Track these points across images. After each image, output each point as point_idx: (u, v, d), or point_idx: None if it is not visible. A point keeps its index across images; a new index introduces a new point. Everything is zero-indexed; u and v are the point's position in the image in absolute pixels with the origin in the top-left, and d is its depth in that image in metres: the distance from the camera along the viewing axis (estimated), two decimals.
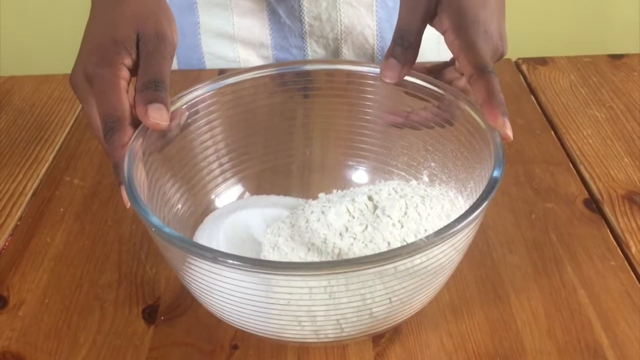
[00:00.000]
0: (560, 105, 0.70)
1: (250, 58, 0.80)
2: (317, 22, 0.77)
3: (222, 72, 0.78)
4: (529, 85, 0.74)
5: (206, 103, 0.49)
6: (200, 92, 0.49)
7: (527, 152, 0.63)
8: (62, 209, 0.58)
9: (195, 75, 0.78)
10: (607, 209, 0.56)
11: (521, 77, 0.76)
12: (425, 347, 0.45)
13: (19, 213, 0.57)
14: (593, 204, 0.57)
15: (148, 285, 0.50)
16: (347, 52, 0.79)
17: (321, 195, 0.52)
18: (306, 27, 0.77)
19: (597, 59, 0.78)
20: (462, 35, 0.46)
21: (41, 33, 1.46)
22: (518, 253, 0.52)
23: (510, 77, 0.75)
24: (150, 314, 0.48)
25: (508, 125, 0.42)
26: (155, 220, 0.38)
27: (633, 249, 0.52)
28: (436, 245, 0.36)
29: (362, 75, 0.50)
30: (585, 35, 1.44)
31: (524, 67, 0.77)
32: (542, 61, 0.78)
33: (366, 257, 0.36)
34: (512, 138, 0.42)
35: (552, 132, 0.66)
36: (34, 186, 0.61)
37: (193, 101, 0.48)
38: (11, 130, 0.68)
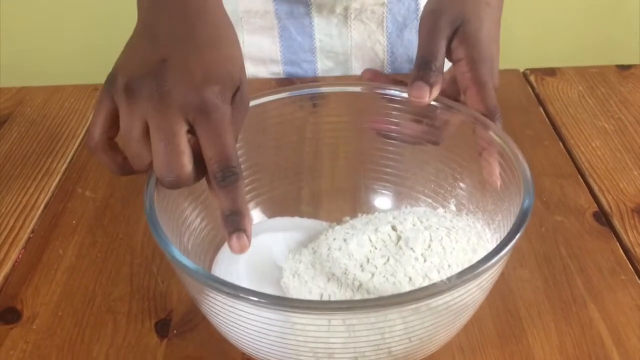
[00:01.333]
0: (569, 117, 0.70)
1: (259, 74, 0.80)
2: (327, 38, 0.77)
3: None
4: (537, 96, 0.74)
5: None
6: None
7: (536, 164, 0.63)
8: (74, 222, 0.58)
9: None
10: (616, 223, 0.56)
11: (529, 88, 0.76)
12: None
13: (31, 226, 0.58)
14: (602, 217, 0.57)
15: (160, 299, 0.51)
16: (357, 66, 0.80)
17: (346, 219, 0.52)
18: (317, 42, 0.78)
19: (605, 69, 0.79)
20: (475, 69, 0.48)
21: (53, 44, 1.47)
22: (528, 267, 0.52)
23: (518, 88, 0.76)
24: (162, 328, 0.48)
25: (498, 175, 0.45)
26: (175, 251, 0.38)
27: None
28: (458, 288, 0.35)
29: (390, 99, 0.50)
30: (593, 46, 1.44)
31: (532, 78, 0.77)
32: (550, 72, 0.78)
33: (384, 298, 0.36)
34: (499, 186, 0.45)
35: (561, 143, 0.66)
36: (46, 199, 0.61)
37: None
38: (23, 142, 0.69)
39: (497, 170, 0.45)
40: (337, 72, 0.80)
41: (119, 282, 0.52)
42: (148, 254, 0.54)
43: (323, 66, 0.79)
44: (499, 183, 0.45)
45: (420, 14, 0.77)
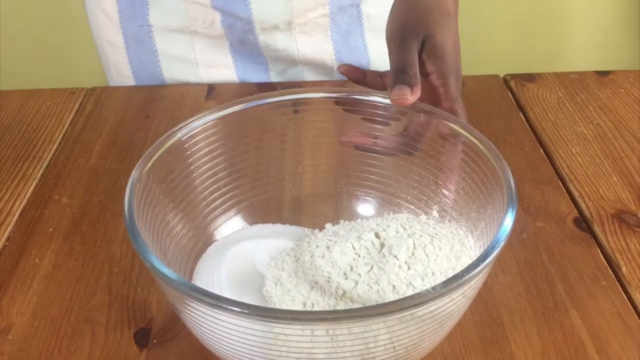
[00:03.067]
0: (549, 123, 0.71)
1: (212, 78, 0.79)
2: (274, 52, 0.78)
3: (211, 88, 0.77)
4: (517, 101, 0.75)
5: (207, 133, 0.49)
6: (200, 122, 0.48)
7: (517, 170, 0.63)
8: (50, 229, 0.57)
9: (184, 90, 0.77)
10: (597, 228, 0.56)
11: (509, 94, 0.76)
12: None
13: (6, 233, 0.57)
14: (583, 223, 0.57)
15: (139, 308, 0.50)
16: (308, 72, 0.80)
17: (328, 225, 0.51)
18: (264, 51, 0.78)
19: (584, 75, 0.79)
20: (446, 84, 0.51)
21: (28, 47, 1.45)
22: (510, 273, 0.52)
23: (498, 94, 0.76)
24: (142, 337, 0.47)
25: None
26: (155, 260, 0.37)
27: (624, 269, 0.52)
28: (443, 297, 0.35)
29: (373, 105, 0.51)
30: (572, 51, 1.46)
31: (512, 84, 0.78)
32: (530, 77, 0.79)
33: (368, 308, 0.36)
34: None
35: (541, 149, 0.67)
36: (22, 205, 0.60)
37: (192, 132, 0.48)
38: None
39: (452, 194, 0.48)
40: (291, 74, 0.80)
41: (97, 291, 0.51)
42: (127, 262, 0.53)
43: (275, 68, 0.79)
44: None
45: (363, 20, 0.78)
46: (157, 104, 0.74)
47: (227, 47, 0.77)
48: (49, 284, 0.52)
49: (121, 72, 0.80)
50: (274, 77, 0.80)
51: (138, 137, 0.69)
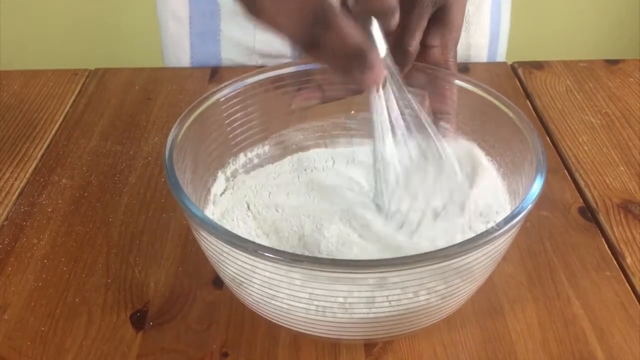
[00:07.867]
0: (556, 111, 0.70)
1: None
2: None
3: (214, 71, 0.77)
4: (524, 89, 0.74)
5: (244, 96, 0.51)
6: (237, 85, 0.50)
7: None
8: (49, 210, 0.57)
9: (187, 73, 0.77)
10: (602, 218, 0.55)
11: (517, 81, 0.75)
12: (418, 357, 0.44)
13: (5, 213, 0.56)
14: (588, 212, 0.56)
15: (137, 290, 0.49)
16: None
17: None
18: None
19: (593, 63, 0.78)
20: (446, 59, 0.49)
21: (31, 28, 1.44)
22: (512, 262, 0.51)
23: (505, 81, 0.75)
24: (138, 320, 0.47)
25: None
26: (198, 212, 0.38)
27: (628, 260, 0.51)
28: (506, 234, 0.36)
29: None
30: (582, 40, 1.44)
31: (519, 71, 0.76)
32: (538, 65, 0.77)
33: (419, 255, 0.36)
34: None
35: (548, 137, 0.66)
36: (21, 185, 0.59)
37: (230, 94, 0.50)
38: None
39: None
40: None
41: (95, 272, 0.51)
42: (125, 244, 0.53)
43: None
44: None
45: None
46: (160, 86, 0.73)
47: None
48: (46, 264, 0.51)
49: (180, 46, 0.80)
50: None
51: (139, 119, 0.68)
